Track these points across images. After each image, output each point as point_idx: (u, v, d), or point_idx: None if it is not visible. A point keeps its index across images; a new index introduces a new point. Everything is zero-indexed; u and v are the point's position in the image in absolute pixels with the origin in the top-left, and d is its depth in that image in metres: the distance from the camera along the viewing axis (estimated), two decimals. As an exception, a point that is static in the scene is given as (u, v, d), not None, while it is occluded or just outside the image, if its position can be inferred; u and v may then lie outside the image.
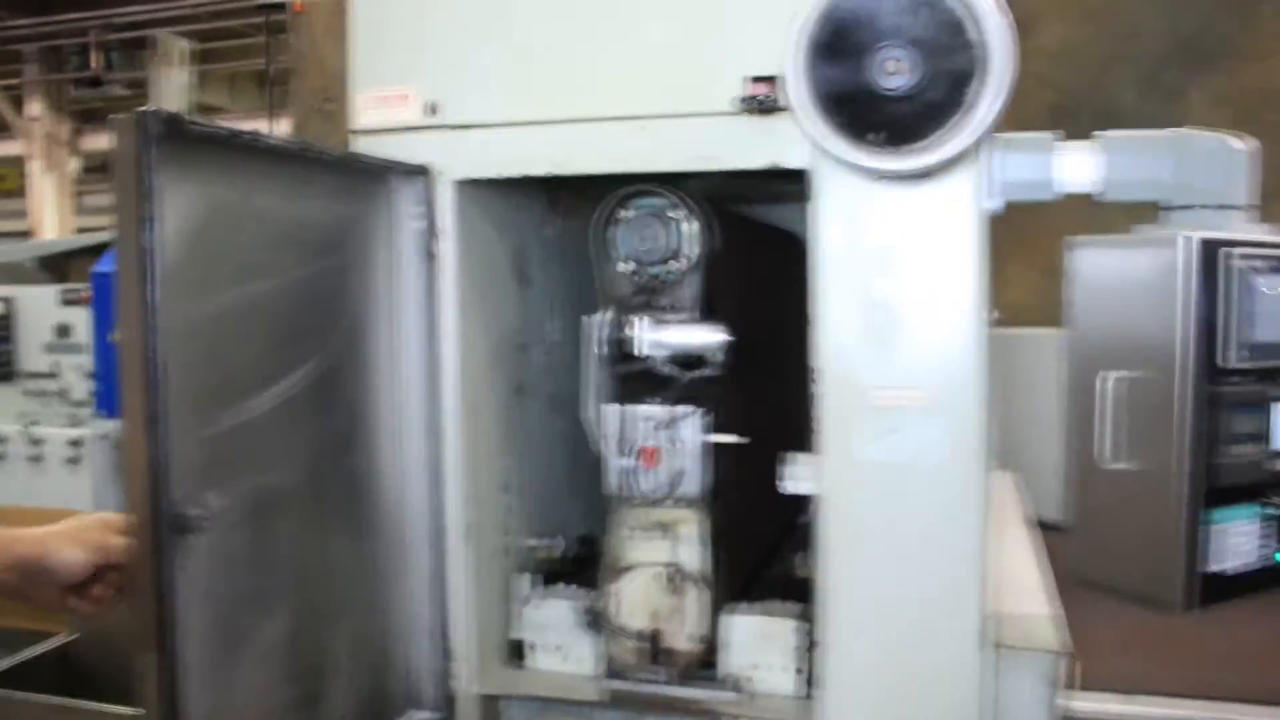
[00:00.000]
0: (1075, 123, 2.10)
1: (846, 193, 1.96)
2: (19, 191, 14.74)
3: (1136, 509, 1.88)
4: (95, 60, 11.91)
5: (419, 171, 2.19)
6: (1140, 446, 1.84)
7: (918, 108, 1.81)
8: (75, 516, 1.64)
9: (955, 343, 1.95)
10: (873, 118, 1.83)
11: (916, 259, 1.96)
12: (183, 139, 1.55)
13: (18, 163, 14.64)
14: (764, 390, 2.65)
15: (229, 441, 1.70)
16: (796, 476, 2.08)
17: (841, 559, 2.02)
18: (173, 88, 10.57)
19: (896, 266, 1.96)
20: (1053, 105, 4.88)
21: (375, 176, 2.16)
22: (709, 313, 2.30)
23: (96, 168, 13.76)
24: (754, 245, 2.72)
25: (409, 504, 2.22)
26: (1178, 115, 3.26)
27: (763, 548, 2.79)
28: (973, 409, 1.95)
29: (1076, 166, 1.94)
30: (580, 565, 2.59)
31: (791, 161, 2.00)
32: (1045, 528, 2.89)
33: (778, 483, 2.08)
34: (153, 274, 1.47)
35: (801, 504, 2.16)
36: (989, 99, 1.77)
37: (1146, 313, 1.85)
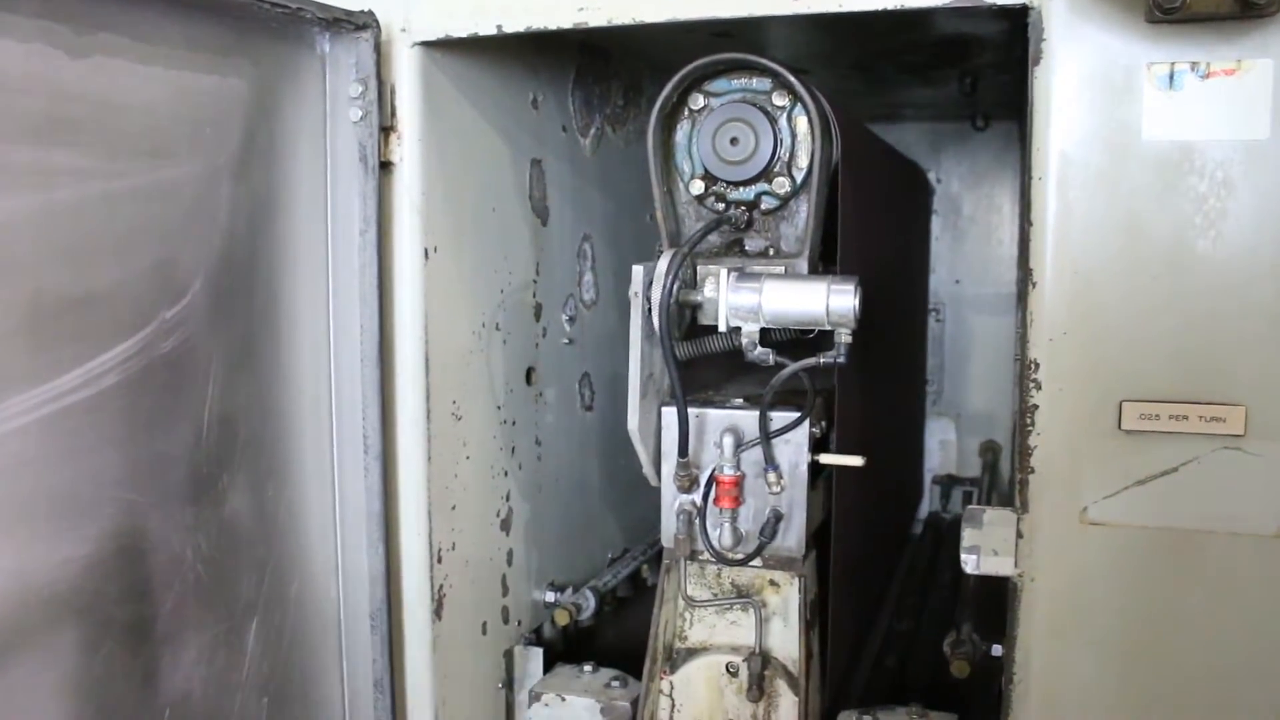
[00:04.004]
0: None
1: (1105, 46, 1.35)
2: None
3: None
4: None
5: (357, 23, 1.53)
6: None
7: None
8: None
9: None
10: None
11: (1238, 169, 1.33)
12: None
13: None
14: (888, 384, 2.14)
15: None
16: (987, 547, 1.43)
17: (1060, 679, 1.45)
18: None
19: (1195, 181, 1.34)
20: None
21: (273, 32, 1.46)
22: (826, 262, 1.71)
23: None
24: (881, 169, 2.18)
25: (342, 569, 1.60)
26: None
27: (873, 608, 2.29)
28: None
29: None
30: (621, 613, 2.14)
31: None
32: None
33: (962, 557, 1.46)
34: None
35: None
36: None
37: None
